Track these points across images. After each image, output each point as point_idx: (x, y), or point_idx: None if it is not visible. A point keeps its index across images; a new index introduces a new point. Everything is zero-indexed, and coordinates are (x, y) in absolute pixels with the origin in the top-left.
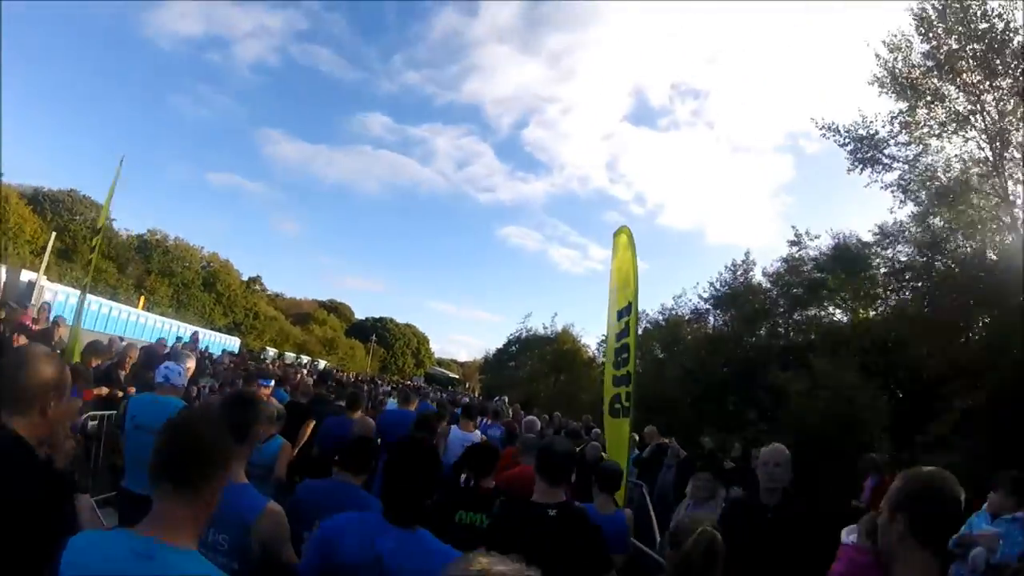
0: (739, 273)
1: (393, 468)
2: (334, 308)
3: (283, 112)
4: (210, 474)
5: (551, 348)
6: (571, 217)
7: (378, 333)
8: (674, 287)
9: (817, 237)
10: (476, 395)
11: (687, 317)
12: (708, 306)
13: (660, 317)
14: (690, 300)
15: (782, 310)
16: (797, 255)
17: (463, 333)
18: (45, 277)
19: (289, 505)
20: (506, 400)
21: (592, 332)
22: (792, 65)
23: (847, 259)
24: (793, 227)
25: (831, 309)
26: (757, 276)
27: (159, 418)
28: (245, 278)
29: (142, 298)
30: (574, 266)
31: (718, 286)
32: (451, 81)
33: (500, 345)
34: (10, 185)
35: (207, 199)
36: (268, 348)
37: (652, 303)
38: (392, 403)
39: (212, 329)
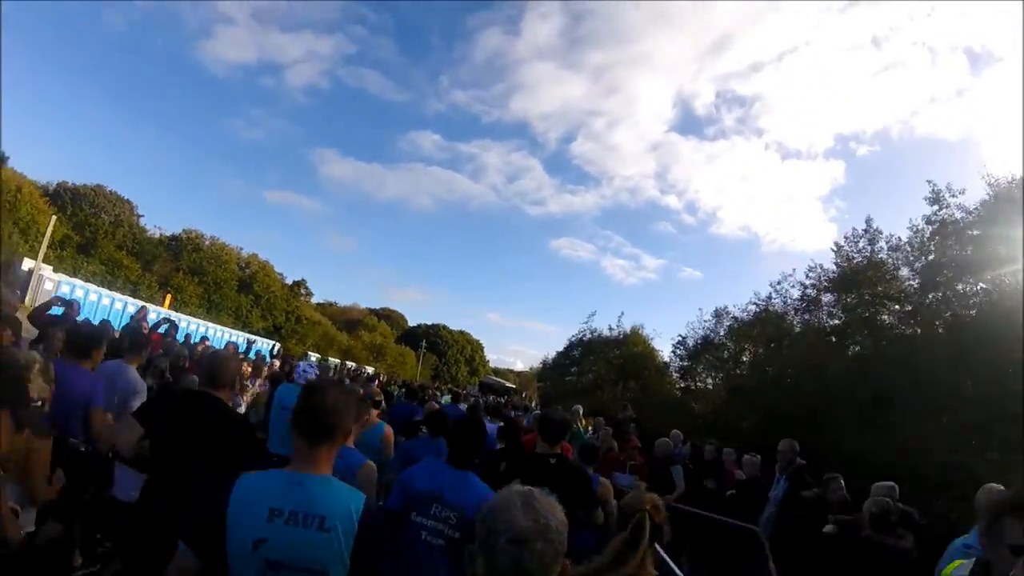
0: (861, 246)
1: (457, 431)
2: (386, 316)
3: (336, 132)
4: (338, 426)
5: (619, 351)
6: (623, 228)
7: (430, 340)
8: (729, 298)
9: (962, 192)
10: (533, 404)
11: (794, 306)
12: (809, 292)
13: (753, 309)
14: (788, 289)
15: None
16: (938, 216)
17: (519, 343)
18: (50, 268)
19: (399, 451)
20: (580, 411)
21: (663, 335)
22: (837, 68)
23: None
24: (929, 181)
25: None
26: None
27: None
28: (289, 282)
29: (168, 296)
30: (628, 276)
31: (831, 267)
32: (497, 99)
33: (560, 349)
34: (32, 180)
35: (265, 216)
36: (310, 353)
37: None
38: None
39: (248, 332)
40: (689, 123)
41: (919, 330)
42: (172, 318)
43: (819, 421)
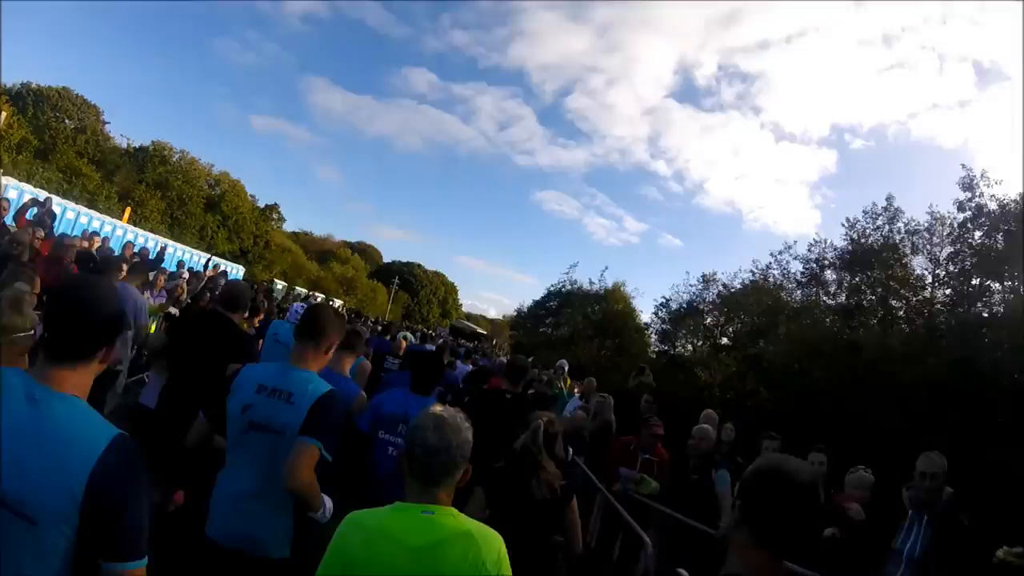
0: (880, 223)
1: (420, 363)
2: (361, 250)
3: (330, 62)
4: (323, 334)
5: (599, 307)
6: (610, 188)
7: (403, 278)
8: (708, 268)
9: (999, 182)
10: (502, 353)
11: (798, 279)
12: (813, 267)
13: (748, 278)
14: (788, 260)
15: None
16: (973, 203)
17: (494, 292)
18: None
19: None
20: (564, 368)
21: (645, 295)
22: (844, 60)
23: None
24: (963, 165)
25: None
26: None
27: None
28: (262, 205)
29: (127, 210)
30: (609, 236)
31: (845, 242)
32: (497, 44)
33: (537, 299)
34: None
35: (249, 141)
36: (276, 281)
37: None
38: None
39: (215, 255)
40: (688, 92)
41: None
42: (41, 199)
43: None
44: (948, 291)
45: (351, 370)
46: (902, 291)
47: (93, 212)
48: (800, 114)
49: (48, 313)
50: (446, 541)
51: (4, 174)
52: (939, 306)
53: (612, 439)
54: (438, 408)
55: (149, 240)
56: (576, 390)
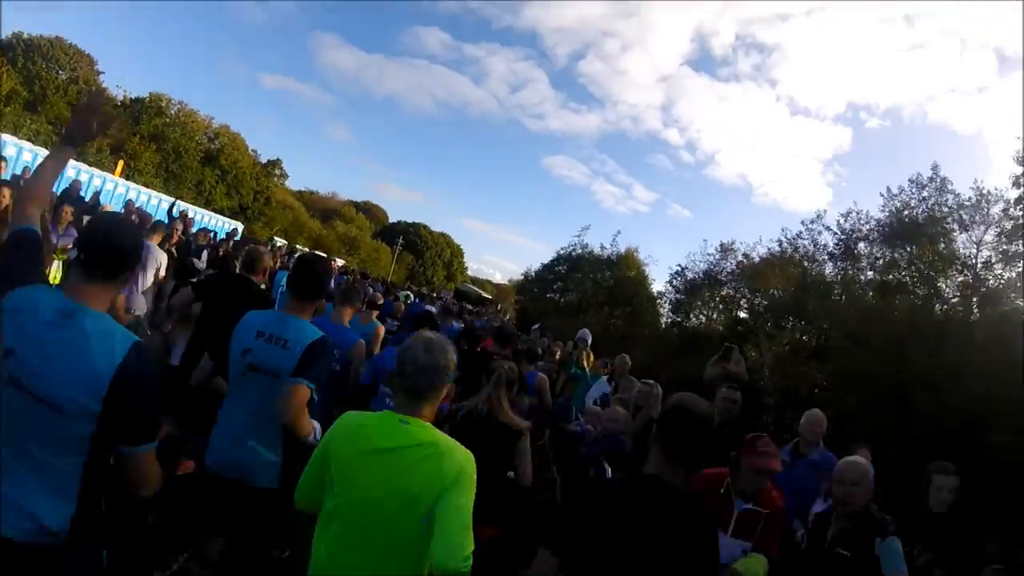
0: (926, 194)
1: (415, 323)
2: (367, 209)
3: (340, 18)
4: (318, 289)
5: (610, 273)
6: (620, 155)
7: (408, 238)
8: (716, 240)
9: None
10: (507, 318)
11: (831, 251)
12: (848, 239)
13: (772, 248)
14: (819, 232)
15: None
16: None
17: (501, 256)
18: None
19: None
20: (587, 339)
21: (659, 263)
22: (863, 37)
23: None
24: (1020, 137)
25: None
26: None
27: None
28: (264, 160)
29: (120, 163)
30: (618, 204)
31: (884, 214)
32: (511, 4)
33: (546, 261)
34: None
35: (258, 98)
36: (276, 239)
37: (683, 256)
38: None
39: (212, 211)
40: (704, 60)
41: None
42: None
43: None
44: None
45: (368, 332)
46: (949, 270)
47: (82, 165)
48: (816, 89)
49: (83, 238)
50: (412, 448)
51: None
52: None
53: None
54: (427, 333)
55: (142, 194)
56: (603, 370)
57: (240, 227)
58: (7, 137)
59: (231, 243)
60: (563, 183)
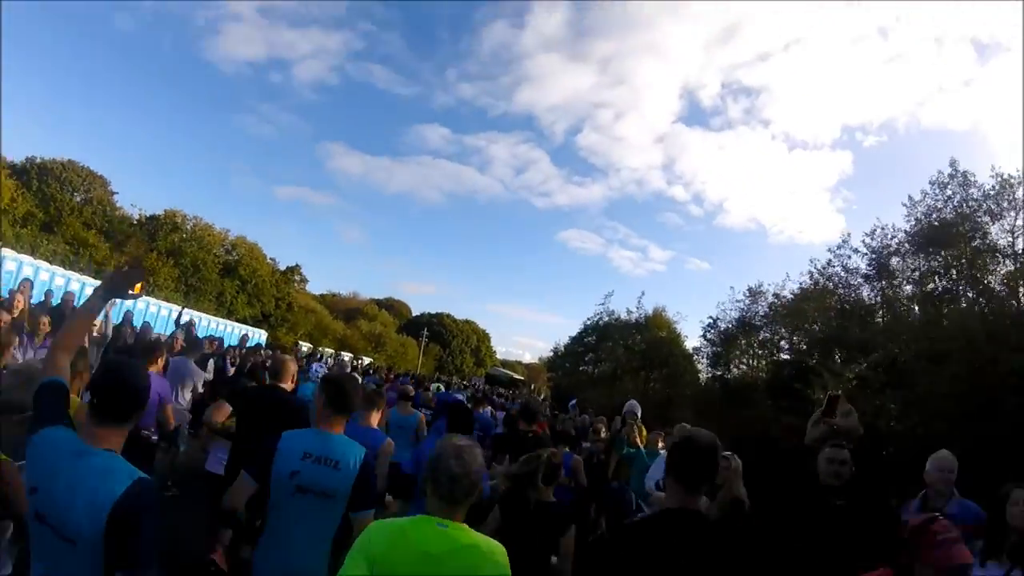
0: (951, 193)
1: (452, 413)
2: (389, 306)
3: (344, 126)
4: (352, 404)
5: (640, 336)
6: (630, 219)
7: (433, 329)
8: (740, 286)
9: None
10: (543, 398)
11: (865, 273)
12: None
13: (806, 282)
14: (848, 256)
15: None
16: None
17: (528, 336)
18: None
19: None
20: (637, 411)
21: (688, 319)
22: (843, 59)
23: None
24: None
25: None
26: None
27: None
28: (283, 268)
29: (139, 282)
30: (635, 268)
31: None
32: (504, 91)
33: (573, 334)
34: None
35: (275, 210)
36: (301, 343)
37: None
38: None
39: (234, 320)
40: (695, 114)
41: None
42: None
43: None
44: None
45: (412, 421)
46: (990, 264)
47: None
48: (809, 120)
49: (94, 386)
50: (456, 551)
51: (5, 246)
52: None
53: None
54: (456, 439)
55: (163, 308)
56: (660, 444)
57: (257, 332)
58: (25, 257)
59: (241, 350)
60: (579, 255)
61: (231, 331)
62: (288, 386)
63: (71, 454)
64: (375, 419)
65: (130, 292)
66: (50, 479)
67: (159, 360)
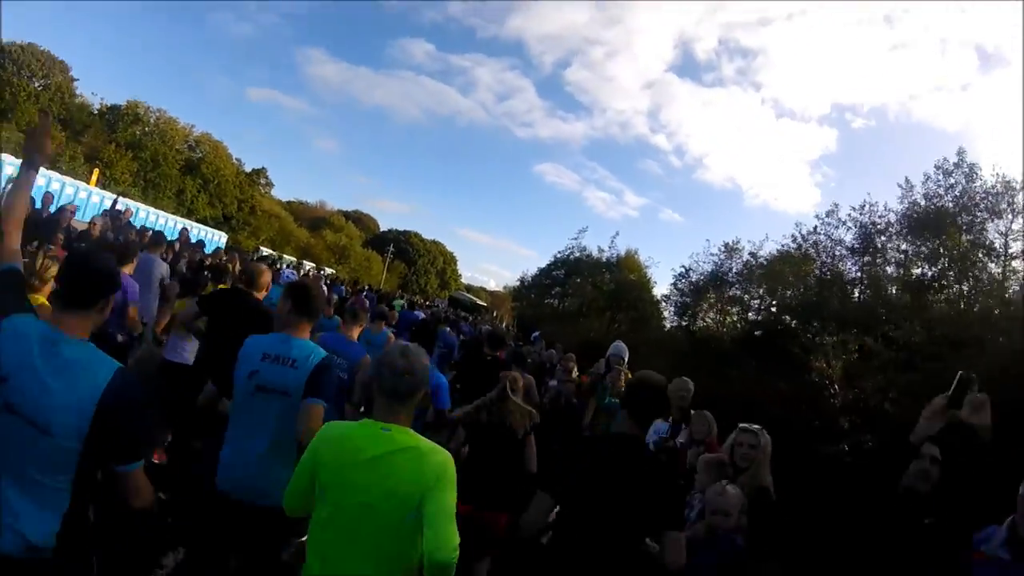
0: (953, 182)
1: (414, 332)
2: (357, 219)
3: (327, 33)
4: (314, 310)
5: (610, 276)
6: (609, 161)
7: (399, 246)
8: (710, 242)
9: None
10: (505, 326)
11: (851, 246)
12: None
13: (783, 246)
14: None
15: None
16: None
17: (495, 264)
18: None
19: None
20: (623, 355)
21: (660, 264)
22: (845, 39)
23: None
24: None
25: None
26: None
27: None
28: (248, 170)
29: (95, 171)
30: (608, 210)
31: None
32: (495, 14)
33: (542, 266)
34: None
35: (244, 111)
36: (263, 248)
37: (678, 260)
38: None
39: (194, 220)
40: (688, 66)
41: None
42: None
43: None
44: None
45: (381, 339)
46: (986, 261)
47: (54, 173)
48: (801, 91)
49: (62, 273)
50: (396, 452)
51: None
52: None
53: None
54: (402, 342)
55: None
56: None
57: (217, 235)
58: None
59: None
60: (554, 190)
61: (173, 225)
62: (261, 295)
63: (43, 341)
64: (356, 333)
65: (48, 147)
66: (20, 368)
67: (133, 261)
